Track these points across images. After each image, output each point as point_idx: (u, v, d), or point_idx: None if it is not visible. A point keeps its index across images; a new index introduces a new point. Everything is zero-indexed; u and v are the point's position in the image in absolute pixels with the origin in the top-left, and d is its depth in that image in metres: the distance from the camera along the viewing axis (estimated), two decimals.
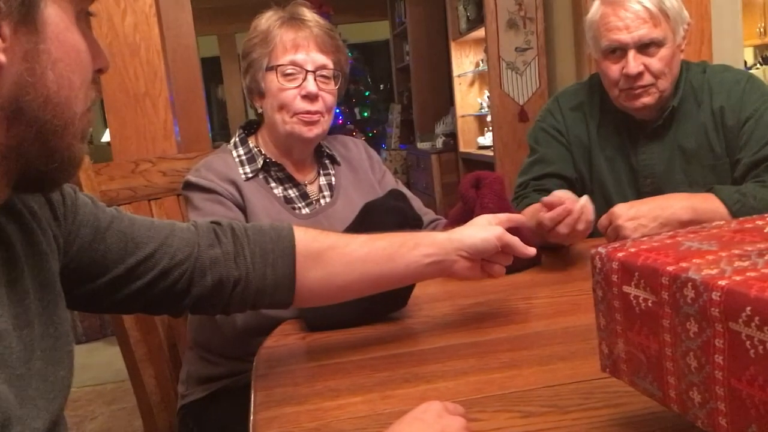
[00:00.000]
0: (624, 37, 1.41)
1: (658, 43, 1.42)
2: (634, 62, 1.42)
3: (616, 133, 1.56)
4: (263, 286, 0.90)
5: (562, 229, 1.21)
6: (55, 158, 0.61)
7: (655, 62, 1.42)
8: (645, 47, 1.42)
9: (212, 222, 0.93)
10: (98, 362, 3.26)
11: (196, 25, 2.72)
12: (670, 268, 0.55)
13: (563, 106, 1.62)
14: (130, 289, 0.83)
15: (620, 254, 0.60)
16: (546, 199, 1.24)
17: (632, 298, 0.59)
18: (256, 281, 0.90)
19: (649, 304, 0.57)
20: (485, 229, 0.97)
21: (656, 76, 1.43)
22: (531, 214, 1.44)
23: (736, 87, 1.48)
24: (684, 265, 0.55)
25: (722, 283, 0.50)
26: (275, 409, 0.83)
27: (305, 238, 0.93)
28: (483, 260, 0.98)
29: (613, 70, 1.46)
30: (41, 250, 0.70)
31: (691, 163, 1.50)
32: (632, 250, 0.60)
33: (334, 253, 0.92)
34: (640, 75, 1.43)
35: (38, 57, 0.57)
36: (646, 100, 1.46)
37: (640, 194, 1.49)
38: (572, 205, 1.21)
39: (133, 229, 0.84)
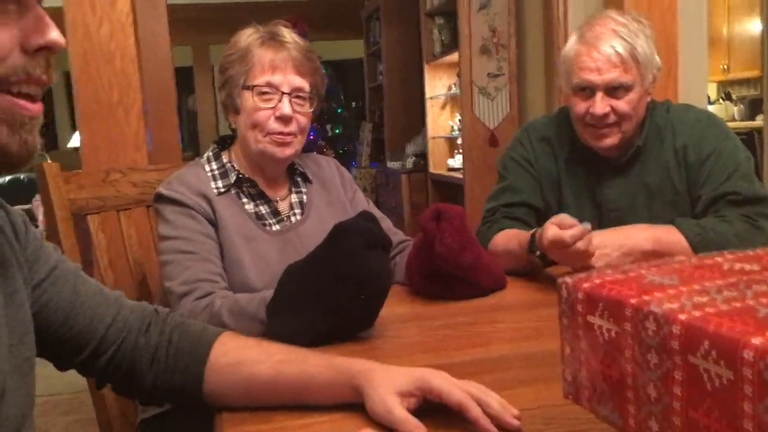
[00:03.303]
0: (594, 78, 1.46)
1: (626, 88, 1.47)
2: (601, 103, 1.47)
3: (582, 168, 1.60)
4: (171, 386, 0.91)
5: (581, 245, 1.25)
6: None
7: (622, 105, 1.47)
8: (613, 90, 1.47)
9: (155, 308, 0.96)
10: (50, 373, 3.18)
11: (170, 35, 2.71)
12: (633, 301, 0.57)
13: (532, 138, 1.66)
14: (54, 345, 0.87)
15: (586, 285, 0.62)
16: (557, 218, 1.29)
17: (596, 328, 0.61)
18: (163, 381, 0.91)
19: (613, 335, 0.59)
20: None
21: (621, 117, 1.49)
22: (508, 238, 1.47)
23: (697, 125, 1.53)
24: (646, 298, 0.57)
25: (682, 317, 0.52)
26: (239, 426, 0.82)
27: (221, 349, 0.91)
28: None
29: (581, 106, 1.50)
30: (7, 257, 0.74)
31: (653, 199, 1.55)
32: (597, 281, 0.62)
33: (239, 369, 0.88)
34: (605, 115, 1.48)
35: None
36: (609, 141, 1.51)
37: (603, 227, 1.52)
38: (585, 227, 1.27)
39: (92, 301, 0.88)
